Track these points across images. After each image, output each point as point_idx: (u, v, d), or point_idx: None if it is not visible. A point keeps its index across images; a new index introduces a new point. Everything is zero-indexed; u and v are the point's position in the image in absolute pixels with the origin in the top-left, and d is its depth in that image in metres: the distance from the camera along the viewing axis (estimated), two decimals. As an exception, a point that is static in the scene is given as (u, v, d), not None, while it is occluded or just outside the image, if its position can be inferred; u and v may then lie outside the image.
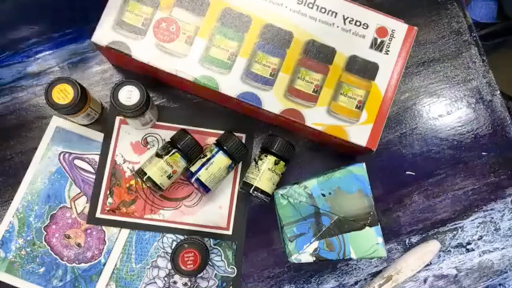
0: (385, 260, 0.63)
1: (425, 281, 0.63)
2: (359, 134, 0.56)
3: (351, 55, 0.57)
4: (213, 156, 0.57)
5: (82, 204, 0.61)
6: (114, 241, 0.61)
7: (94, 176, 0.62)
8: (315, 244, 0.54)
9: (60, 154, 0.62)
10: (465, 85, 0.66)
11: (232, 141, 0.58)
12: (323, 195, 0.55)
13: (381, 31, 0.57)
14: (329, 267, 0.62)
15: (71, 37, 0.64)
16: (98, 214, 0.61)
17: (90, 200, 0.61)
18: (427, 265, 0.63)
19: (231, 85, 0.56)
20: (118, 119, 0.63)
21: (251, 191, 0.57)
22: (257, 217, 0.62)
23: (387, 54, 0.57)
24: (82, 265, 0.61)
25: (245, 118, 0.63)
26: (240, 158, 0.60)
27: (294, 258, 0.54)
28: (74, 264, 0.60)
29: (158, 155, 0.57)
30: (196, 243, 0.55)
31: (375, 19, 0.57)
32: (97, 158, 0.62)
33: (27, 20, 0.64)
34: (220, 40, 0.56)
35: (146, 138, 0.63)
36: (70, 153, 0.62)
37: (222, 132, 0.63)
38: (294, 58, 0.56)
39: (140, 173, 0.57)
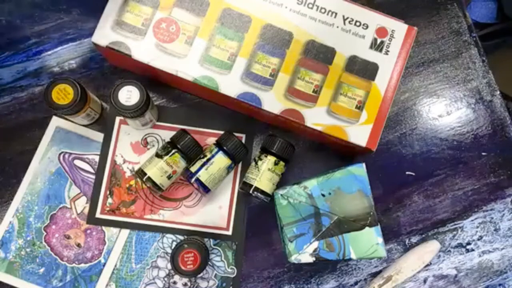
0: (385, 260, 0.63)
1: (425, 281, 0.63)
2: (359, 134, 0.56)
3: (351, 55, 0.57)
4: (213, 156, 0.58)
5: (82, 204, 0.61)
6: (114, 241, 0.61)
7: (94, 176, 0.62)
8: (315, 245, 0.54)
9: (60, 154, 0.62)
10: (465, 85, 0.67)
11: (232, 142, 0.58)
12: (323, 195, 0.55)
13: (381, 31, 0.57)
14: (329, 267, 0.62)
15: (71, 37, 0.64)
16: (98, 215, 0.61)
17: (90, 200, 0.61)
18: (427, 265, 0.63)
19: (231, 85, 0.56)
20: (118, 119, 0.63)
21: (251, 191, 0.57)
22: (257, 217, 0.62)
23: (387, 54, 0.57)
24: (82, 265, 0.61)
25: (245, 118, 0.63)
26: (240, 158, 0.60)
27: (294, 258, 0.54)
28: (74, 265, 0.60)
29: (158, 155, 0.57)
30: (196, 244, 0.55)
31: (375, 19, 0.57)
32: (97, 158, 0.62)
33: (27, 20, 0.64)
34: (220, 40, 0.56)
35: (146, 138, 0.63)
36: (70, 153, 0.62)
37: (222, 132, 0.63)
38: (294, 58, 0.57)
39: (140, 173, 0.57)
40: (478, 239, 0.64)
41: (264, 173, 0.57)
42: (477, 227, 0.64)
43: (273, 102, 0.56)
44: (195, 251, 0.54)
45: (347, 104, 0.56)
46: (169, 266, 0.61)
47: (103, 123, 0.63)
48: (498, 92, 0.67)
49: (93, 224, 0.61)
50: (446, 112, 0.66)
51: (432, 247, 0.62)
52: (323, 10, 0.57)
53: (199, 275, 0.59)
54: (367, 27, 0.57)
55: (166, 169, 0.57)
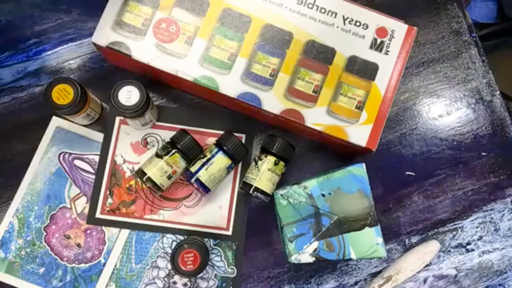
0: (385, 260, 0.63)
1: (425, 281, 0.63)
2: (359, 134, 0.56)
3: (351, 55, 0.57)
4: (213, 156, 0.58)
5: (82, 204, 0.61)
6: (114, 241, 0.61)
7: (94, 177, 0.62)
8: (315, 245, 0.54)
9: (60, 154, 0.62)
10: (465, 86, 0.67)
11: (232, 142, 0.58)
12: (323, 195, 0.55)
13: (381, 31, 0.57)
14: (329, 267, 0.62)
15: (71, 37, 0.64)
16: (98, 215, 0.61)
17: (90, 201, 0.61)
18: (427, 265, 0.63)
19: (231, 85, 0.56)
20: (118, 119, 0.63)
21: (251, 192, 0.57)
22: (257, 217, 0.62)
23: (387, 54, 0.57)
24: (82, 265, 0.61)
25: (245, 118, 0.63)
26: (240, 158, 0.60)
27: (294, 258, 0.54)
28: (74, 265, 0.60)
29: (158, 155, 0.57)
30: (196, 244, 0.55)
31: (375, 19, 0.57)
32: (97, 158, 0.62)
33: (27, 20, 0.64)
34: (220, 40, 0.56)
35: (146, 138, 0.63)
36: (70, 153, 0.62)
37: (222, 132, 0.63)
38: (294, 59, 0.57)
39: (140, 173, 0.57)
40: (478, 239, 0.64)
41: (264, 173, 0.57)
42: (477, 227, 0.64)
43: (273, 102, 0.56)
44: (195, 251, 0.54)
45: (347, 104, 0.56)
46: (169, 266, 0.61)
47: (103, 123, 0.63)
48: (498, 92, 0.67)
49: (93, 224, 0.61)
50: (446, 112, 0.66)
51: (432, 247, 0.62)
52: (323, 10, 0.57)
53: (199, 275, 0.59)
54: (367, 27, 0.57)
55: (166, 169, 0.57)
